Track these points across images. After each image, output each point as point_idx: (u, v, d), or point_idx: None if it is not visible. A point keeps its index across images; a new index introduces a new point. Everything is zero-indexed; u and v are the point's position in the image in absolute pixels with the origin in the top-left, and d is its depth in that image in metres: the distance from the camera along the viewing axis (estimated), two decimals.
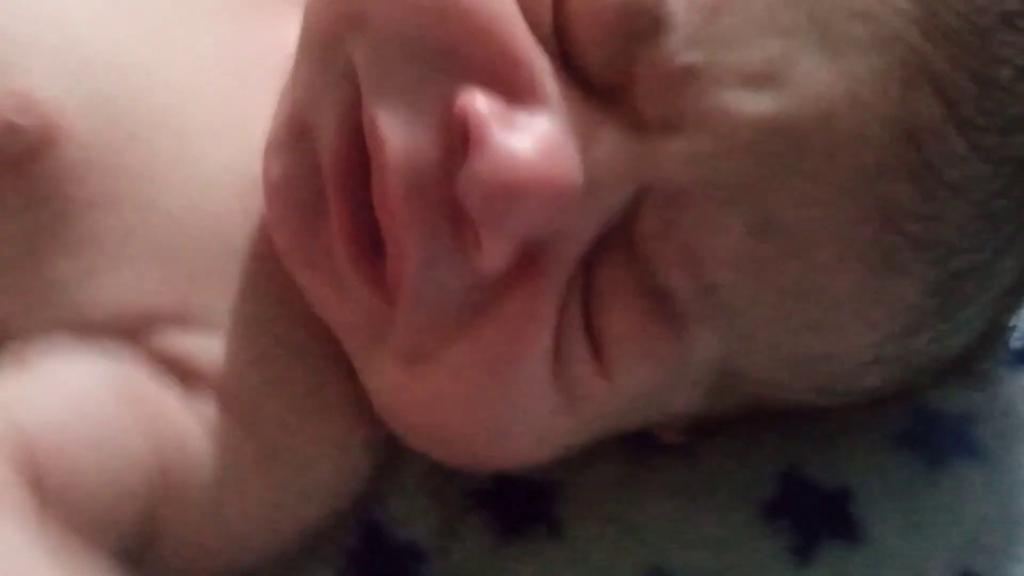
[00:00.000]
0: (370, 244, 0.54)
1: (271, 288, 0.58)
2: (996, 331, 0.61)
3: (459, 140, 0.51)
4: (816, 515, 0.63)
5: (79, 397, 0.55)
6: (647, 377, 0.56)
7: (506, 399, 0.55)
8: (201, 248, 0.58)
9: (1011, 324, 0.62)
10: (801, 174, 0.51)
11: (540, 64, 0.52)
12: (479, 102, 0.51)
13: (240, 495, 0.57)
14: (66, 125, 0.56)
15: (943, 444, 0.64)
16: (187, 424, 0.56)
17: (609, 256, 0.54)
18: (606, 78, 0.53)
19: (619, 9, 0.52)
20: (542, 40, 0.53)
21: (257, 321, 0.58)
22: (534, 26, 0.53)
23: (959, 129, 0.52)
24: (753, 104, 0.51)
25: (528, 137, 0.51)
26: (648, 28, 0.51)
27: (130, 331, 0.56)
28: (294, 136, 0.56)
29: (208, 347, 0.57)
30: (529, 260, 0.53)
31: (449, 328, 0.54)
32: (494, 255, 0.52)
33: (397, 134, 0.52)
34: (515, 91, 0.52)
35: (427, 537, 0.62)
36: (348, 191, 0.54)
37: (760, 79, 0.51)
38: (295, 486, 0.58)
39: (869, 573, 0.62)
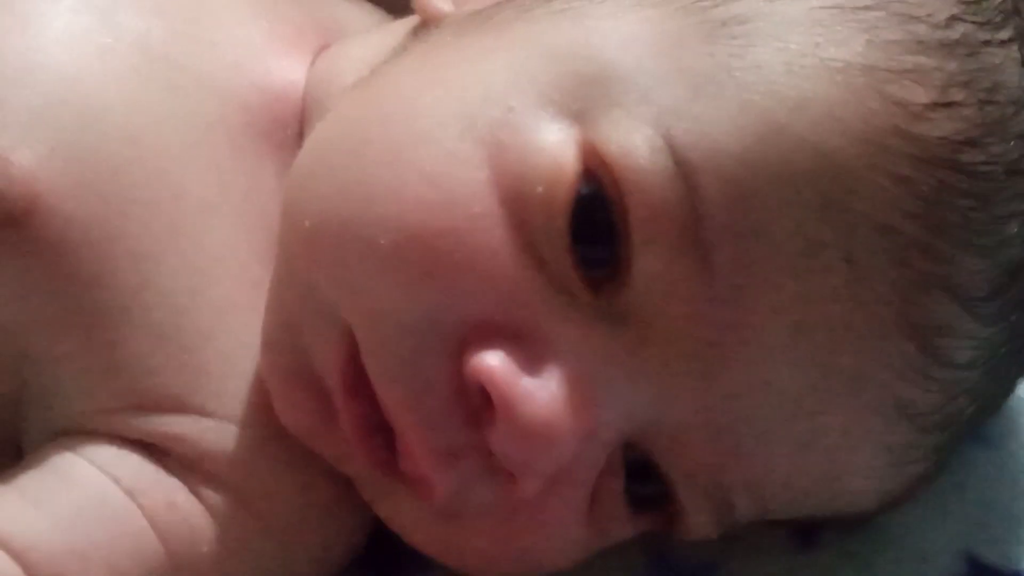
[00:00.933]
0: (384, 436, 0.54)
1: None
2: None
3: (477, 397, 0.51)
4: None
5: (93, 499, 0.55)
6: None
7: (541, 559, 0.56)
8: (208, 334, 0.56)
9: None
10: (828, 391, 0.52)
11: (546, 307, 0.51)
12: (493, 364, 0.50)
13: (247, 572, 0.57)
14: (45, 193, 0.55)
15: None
16: (194, 512, 0.56)
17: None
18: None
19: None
20: (555, 254, 0.51)
21: (264, 408, 0.56)
22: (542, 232, 0.51)
23: (970, 311, 0.53)
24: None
25: (545, 391, 0.51)
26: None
27: (134, 414, 0.56)
28: (294, 344, 0.55)
29: (214, 432, 0.56)
30: (557, 474, 0.53)
31: (479, 520, 0.54)
32: (530, 491, 0.52)
33: (414, 418, 0.52)
34: (522, 334, 0.51)
35: None
36: (356, 400, 0.54)
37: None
38: (303, 561, 0.58)
39: (873, 556, 0.61)
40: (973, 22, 0.53)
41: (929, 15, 0.52)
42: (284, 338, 0.55)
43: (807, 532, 0.62)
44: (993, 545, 0.62)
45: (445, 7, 0.60)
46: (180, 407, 0.56)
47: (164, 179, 0.57)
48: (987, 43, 0.53)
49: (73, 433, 0.57)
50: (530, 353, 0.51)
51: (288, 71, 0.61)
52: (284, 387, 0.56)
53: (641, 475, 0.55)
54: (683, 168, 0.50)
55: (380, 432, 0.53)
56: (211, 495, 0.56)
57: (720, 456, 0.53)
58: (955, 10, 0.53)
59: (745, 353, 0.51)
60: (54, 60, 0.57)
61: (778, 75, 0.50)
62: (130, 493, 0.55)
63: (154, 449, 0.56)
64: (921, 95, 0.51)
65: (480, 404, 0.51)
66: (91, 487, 0.56)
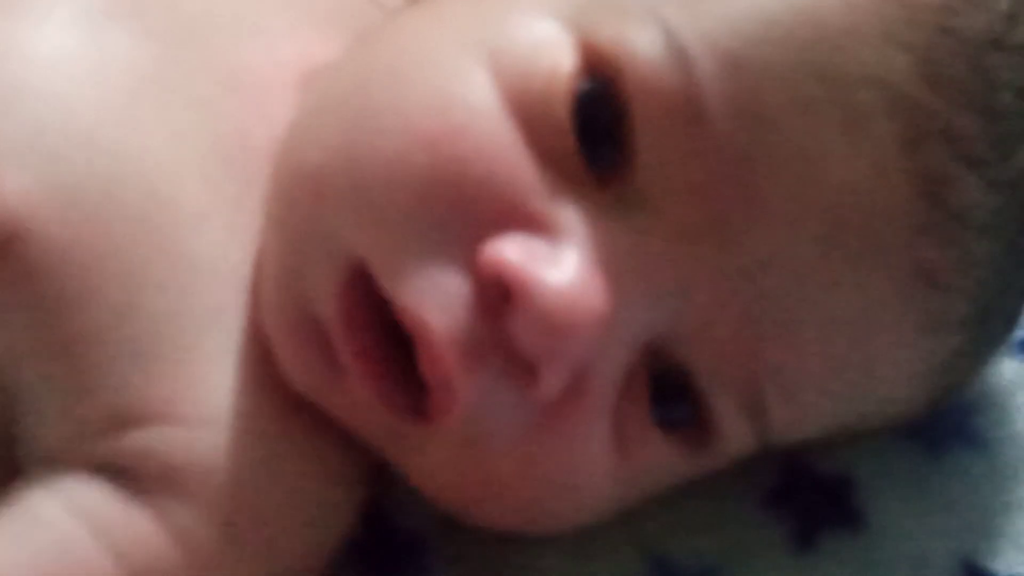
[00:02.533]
0: (397, 370, 0.53)
1: (265, 383, 0.56)
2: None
3: (494, 289, 0.51)
4: (817, 502, 0.63)
5: (56, 540, 0.54)
6: None
7: (570, 487, 0.55)
8: (191, 345, 0.55)
9: None
10: (843, 258, 0.52)
11: (556, 196, 0.52)
12: (507, 252, 0.51)
13: None
14: (33, 218, 0.54)
15: (944, 432, 0.64)
16: (159, 541, 0.55)
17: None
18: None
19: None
20: (559, 148, 0.52)
21: (249, 415, 0.56)
22: (545, 125, 0.52)
23: (974, 171, 0.52)
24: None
25: (562, 273, 0.51)
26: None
27: (109, 435, 0.55)
28: (294, 293, 0.55)
29: (188, 440, 0.55)
30: (578, 377, 0.53)
31: (502, 442, 0.54)
32: (552, 385, 0.52)
33: (435, 313, 0.51)
34: (533, 226, 0.51)
35: (431, 526, 0.61)
36: (362, 342, 0.53)
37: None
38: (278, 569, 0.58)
39: (870, 560, 0.61)
40: None
41: None
42: (284, 289, 0.55)
43: (806, 535, 0.62)
44: (990, 550, 0.62)
45: None
46: (155, 419, 0.55)
47: (154, 194, 0.56)
48: None
49: (51, 463, 0.56)
50: (544, 242, 0.51)
51: (286, 91, 0.60)
52: (291, 344, 0.55)
53: (668, 396, 0.55)
54: (679, 48, 0.51)
55: (388, 371, 0.53)
56: (182, 515, 0.55)
57: (746, 343, 0.53)
58: None
59: (754, 224, 0.51)
60: (41, 84, 0.56)
61: None
62: (95, 533, 0.55)
63: (127, 473, 0.55)
64: None
65: (499, 298, 0.51)
66: (55, 528, 0.55)
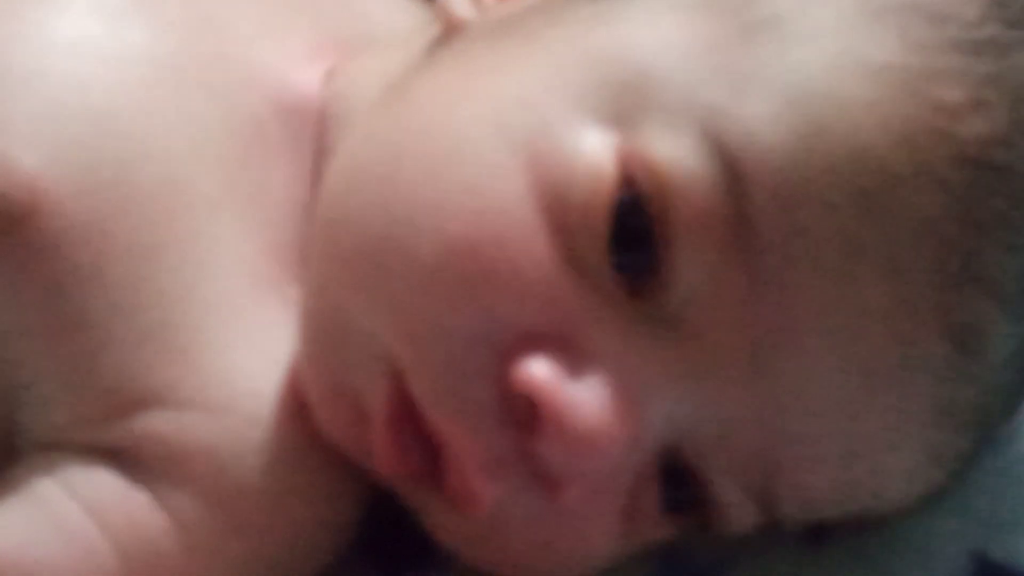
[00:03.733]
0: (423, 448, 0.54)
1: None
2: None
3: (522, 404, 0.51)
4: None
5: (51, 518, 0.55)
6: None
7: (577, 560, 0.56)
8: (200, 328, 0.56)
9: None
10: (869, 391, 0.53)
11: (588, 313, 0.52)
12: (538, 373, 0.51)
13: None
14: (49, 194, 0.54)
15: None
16: (156, 524, 0.55)
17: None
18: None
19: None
20: (594, 260, 0.52)
21: (255, 402, 0.56)
22: (582, 237, 0.51)
23: (1005, 311, 0.53)
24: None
25: (590, 399, 0.51)
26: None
27: (113, 418, 0.55)
28: (334, 367, 0.55)
29: (192, 424, 0.55)
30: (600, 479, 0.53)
31: (519, 529, 0.54)
32: (573, 496, 0.53)
33: (465, 432, 0.52)
34: (565, 345, 0.51)
35: None
36: (398, 429, 0.54)
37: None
38: (275, 559, 0.58)
39: (880, 554, 0.62)
40: (1002, 21, 0.53)
41: (959, 15, 0.52)
42: (321, 359, 0.56)
43: (816, 530, 0.62)
44: (1001, 543, 0.62)
45: (467, 14, 0.60)
46: (160, 401, 0.55)
47: (168, 177, 0.56)
48: (1016, 42, 0.53)
49: (52, 447, 0.56)
50: (574, 360, 0.51)
51: (303, 83, 0.60)
52: (325, 401, 0.56)
53: (675, 479, 0.55)
54: (730, 167, 0.50)
55: (420, 450, 0.53)
56: (181, 500, 0.55)
57: (764, 453, 0.53)
58: (984, 11, 0.53)
59: (789, 354, 0.51)
60: (60, 67, 0.56)
61: (818, 75, 0.51)
62: (90, 512, 0.55)
63: (127, 457, 0.55)
64: (956, 95, 0.51)
65: (526, 412, 0.51)
66: (54, 510, 0.55)
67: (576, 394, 0.50)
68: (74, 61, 0.57)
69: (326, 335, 0.55)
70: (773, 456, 0.53)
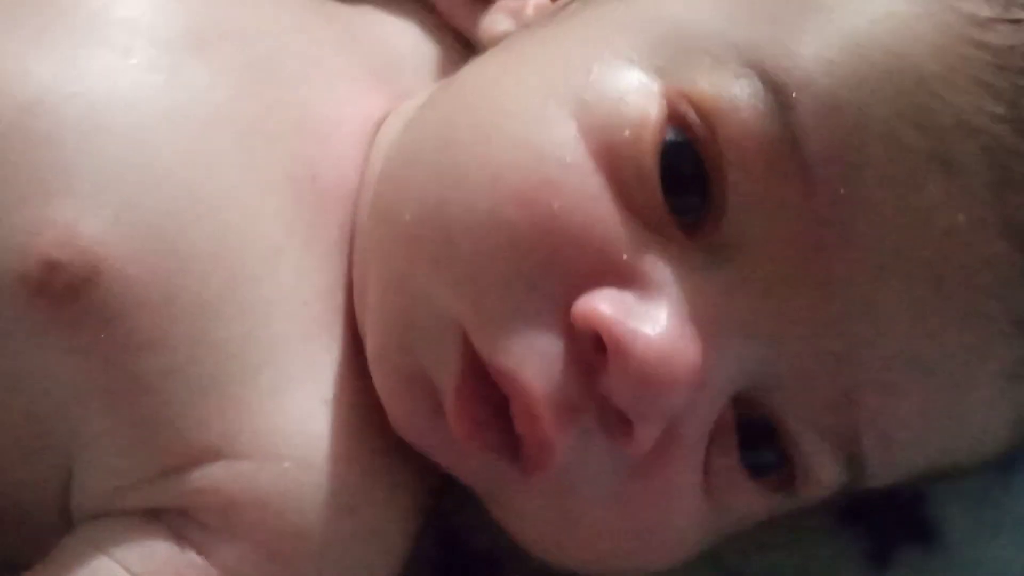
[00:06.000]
0: (498, 420, 0.53)
1: (338, 415, 0.57)
2: None
3: (588, 344, 0.51)
4: (891, 519, 0.63)
5: None
6: None
7: (661, 536, 0.55)
8: (254, 376, 0.55)
9: None
10: (942, 306, 0.52)
11: (645, 250, 0.52)
12: (601, 307, 0.50)
13: None
14: (109, 259, 0.54)
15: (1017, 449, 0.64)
16: None
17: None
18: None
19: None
20: (647, 200, 0.52)
21: (312, 447, 0.56)
22: (633, 176, 0.52)
23: None
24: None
25: (656, 328, 0.50)
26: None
27: (166, 478, 0.55)
28: (402, 349, 0.55)
29: (244, 474, 0.55)
30: (670, 429, 0.52)
31: (596, 493, 0.54)
32: (646, 439, 0.52)
33: (532, 374, 0.51)
34: (625, 281, 0.51)
35: (504, 544, 0.61)
36: (469, 399, 0.53)
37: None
38: None
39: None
40: None
41: None
42: (392, 346, 0.55)
43: (880, 553, 0.62)
44: None
45: (507, 26, 0.61)
46: (215, 454, 0.55)
47: (228, 231, 0.56)
48: None
49: (103, 514, 0.56)
50: (635, 295, 0.51)
51: (351, 131, 0.60)
52: (399, 396, 0.56)
53: (757, 442, 0.55)
54: (773, 90, 0.51)
55: (493, 422, 0.53)
56: (234, 554, 0.55)
57: (841, 391, 0.53)
58: None
59: (852, 272, 0.51)
60: (120, 122, 0.55)
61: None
62: None
63: (180, 516, 0.55)
64: (986, 10, 0.52)
65: (593, 352, 0.51)
66: (97, 573, 0.55)
67: (639, 323, 0.50)
68: (132, 116, 0.56)
69: (394, 320, 0.55)
70: (849, 388, 0.53)
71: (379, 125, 0.61)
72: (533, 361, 0.51)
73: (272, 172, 0.57)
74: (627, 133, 0.52)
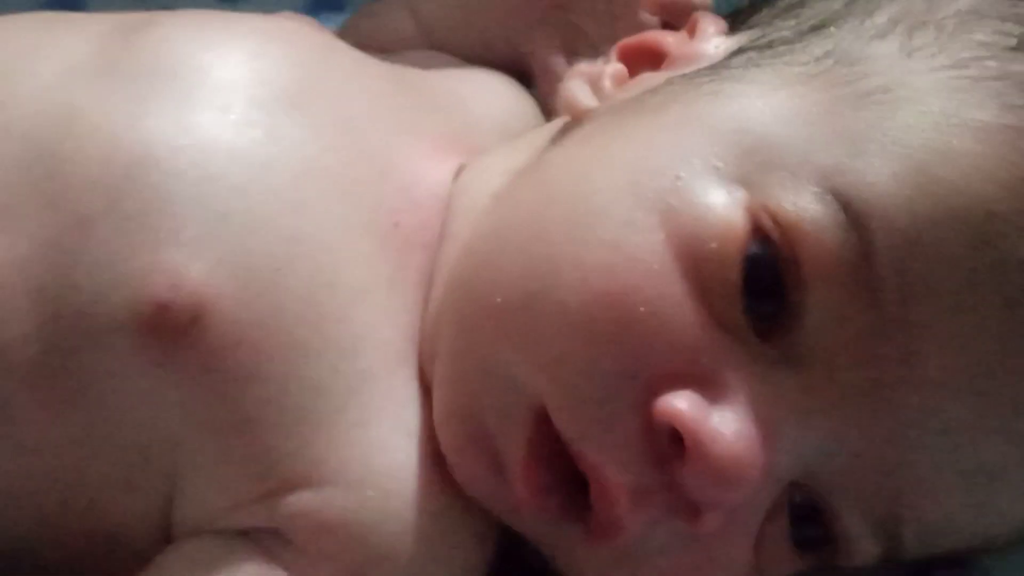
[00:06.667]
0: (559, 486, 0.58)
1: (414, 445, 0.61)
2: None
3: (665, 437, 0.55)
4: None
5: None
6: None
7: None
8: (342, 409, 0.59)
9: None
10: (989, 418, 0.57)
11: (722, 354, 0.56)
12: (681, 406, 0.55)
13: None
14: (213, 301, 0.58)
15: None
16: None
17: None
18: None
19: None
20: (727, 306, 0.56)
21: (395, 475, 0.60)
22: (716, 285, 0.56)
23: None
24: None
25: (730, 431, 0.55)
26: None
27: (261, 502, 0.59)
28: (472, 415, 0.59)
29: (333, 500, 0.59)
30: (730, 512, 0.57)
31: (657, 560, 0.58)
32: (713, 525, 0.56)
33: (614, 465, 0.56)
34: (703, 383, 0.55)
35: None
36: (538, 469, 0.58)
37: None
38: None
39: None
40: None
41: None
42: (460, 410, 0.60)
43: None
44: None
45: (591, 103, 0.65)
46: (306, 482, 0.59)
47: (319, 274, 0.60)
48: None
49: (198, 533, 0.60)
50: (712, 397, 0.55)
51: (432, 180, 0.65)
52: (462, 455, 0.60)
53: (804, 520, 0.59)
54: (853, 216, 0.55)
55: (558, 488, 0.58)
56: (318, 574, 0.59)
57: (888, 486, 0.57)
58: None
59: (912, 387, 0.56)
60: (224, 172, 0.60)
61: (928, 133, 0.56)
62: None
63: (271, 538, 0.59)
64: None
65: (668, 446, 0.55)
66: None
67: (717, 424, 0.55)
68: (235, 166, 0.60)
69: (466, 387, 0.60)
70: (897, 486, 0.57)
71: (455, 177, 0.66)
72: (615, 452, 0.56)
73: (359, 219, 0.62)
74: (713, 245, 0.56)
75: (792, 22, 0.63)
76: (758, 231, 0.56)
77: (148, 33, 0.64)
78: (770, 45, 0.62)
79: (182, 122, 0.61)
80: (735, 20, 0.68)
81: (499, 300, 0.58)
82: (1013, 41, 0.58)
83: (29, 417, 0.58)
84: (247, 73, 0.63)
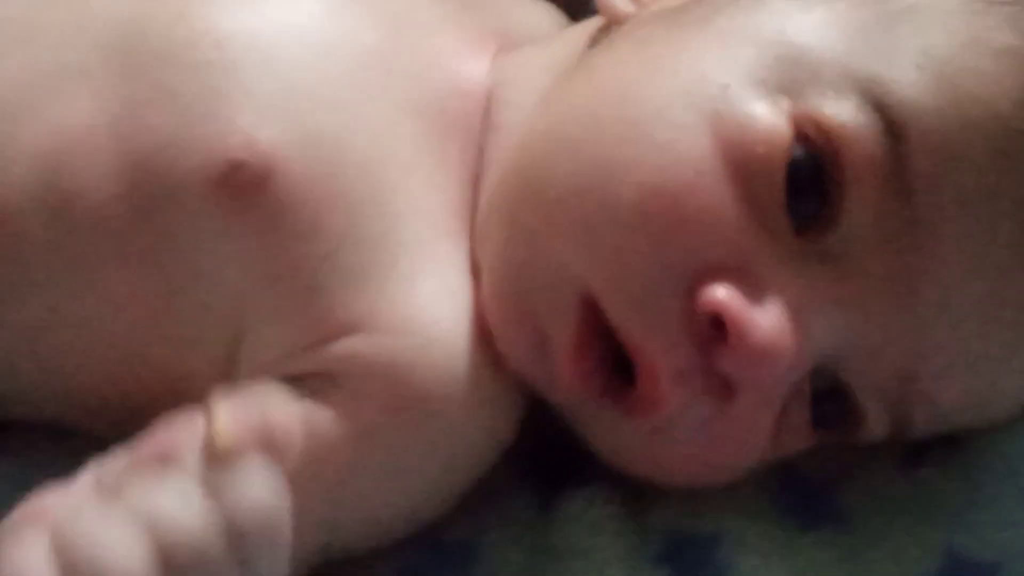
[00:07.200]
0: (604, 359, 0.63)
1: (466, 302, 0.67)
2: None
3: (706, 322, 0.61)
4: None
5: None
6: None
7: (733, 466, 0.66)
8: (393, 265, 0.66)
9: None
10: (999, 310, 0.63)
11: (763, 249, 0.61)
12: (724, 296, 0.60)
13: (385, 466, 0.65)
14: (281, 161, 0.65)
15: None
16: (339, 432, 0.64)
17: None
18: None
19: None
20: (770, 206, 0.61)
21: (441, 326, 0.66)
22: (761, 186, 0.61)
23: None
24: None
25: (767, 318, 0.60)
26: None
27: (320, 343, 0.65)
28: (521, 297, 0.65)
29: (382, 343, 0.65)
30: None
31: (687, 434, 0.64)
32: (746, 402, 0.62)
33: (659, 347, 0.62)
34: (744, 275, 0.61)
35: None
36: (585, 353, 0.63)
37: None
38: (441, 471, 0.67)
39: (972, 472, 0.71)
40: None
41: None
42: (509, 290, 0.65)
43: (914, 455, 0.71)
44: (971, 536, 0.69)
45: (629, 8, 0.70)
46: (359, 328, 0.65)
47: (373, 146, 0.67)
48: None
49: (260, 376, 0.66)
50: (751, 288, 0.61)
51: (472, 71, 0.71)
52: (509, 333, 0.65)
53: (825, 396, 0.65)
54: (890, 124, 0.60)
55: (600, 370, 0.64)
56: (365, 411, 0.65)
57: (905, 369, 0.63)
58: None
59: (932, 281, 0.62)
60: (290, 53, 0.68)
61: (953, 50, 0.62)
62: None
63: (323, 381, 0.65)
64: None
65: (709, 331, 0.61)
66: None
67: (756, 313, 0.60)
68: (301, 49, 0.68)
69: (516, 270, 0.65)
70: (913, 370, 0.63)
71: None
72: (660, 336, 0.61)
73: (408, 102, 0.69)
74: (760, 150, 0.61)
75: None
76: (801, 137, 0.61)
77: None
78: None
79: (256, 9, 0.68)
80: None
81: (552, 194, 0.64)
82: None
83: (114, 271, 0.66)
84: None
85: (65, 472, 0.59)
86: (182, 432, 0.57)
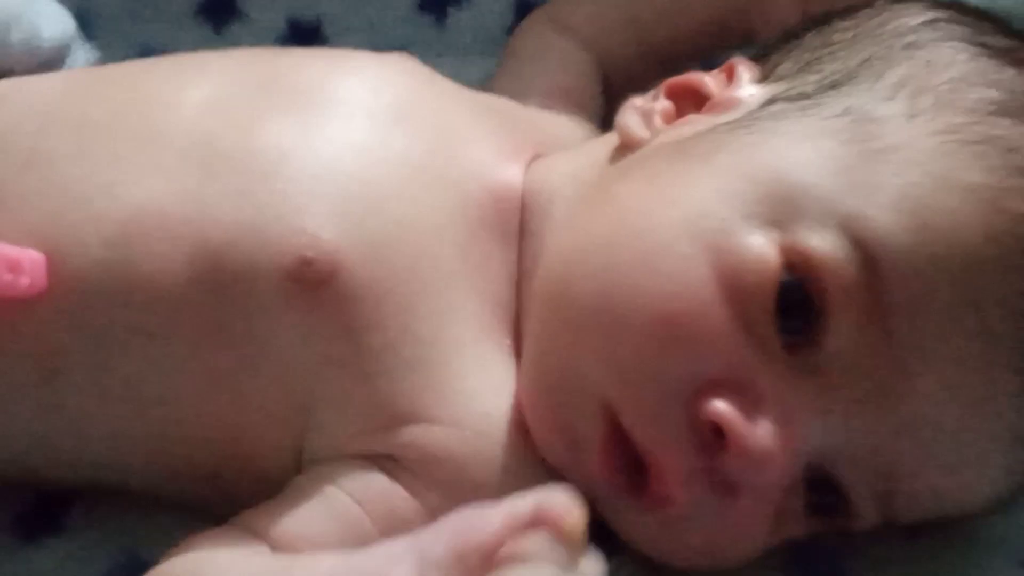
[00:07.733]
0: (627, 462, 0.70)
1: (503, 396, 0.74)
2: None
3: (708, 430, 0.68)
4: None
5: (328, 505, 0.72)
6: None
7: (738, 553, 0.72)
8: (445, 363, 0.73)
9: None
10: (972, 428, 0.70)
11: (758, 366, 0.68)
12: (723, 409, 0.67)
13: None
14: (345, 261, 0.72)
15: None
16: (409, 510, 0.72)
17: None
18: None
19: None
20: (763, 327, 0.68)
21: (490, 420, 0.73)
22: (754, 310, 0.68)
23: None
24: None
25: (764, 426, 0.67)
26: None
27: (380, 433, 0.72)
28: (555, 407, 0.72)
29: (438, 436, 0.72)
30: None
31: (696, 524, 0.71)
32: (748, 500, 0.69)
33: (670, 454, 0.69)
34: (742, 389, 0.68)
35: None
36: (611, 455, 0.71)
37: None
38: None
39: (964, 544, 0.77)
40: None
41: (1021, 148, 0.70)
42: (544, 400, 0.73)
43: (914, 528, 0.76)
44: None
45: (643, 133, 0.79)
46: (417, 418, 0.72)
47: (423, 251, 0.75)
48: None
49: (327, 460, 0.73)
50: (748, 399, 0.68)
51: (510, 178, 0.80)
52: (544, 431, 0.73)
53: (820, 489, 0.72)
54: (866, 256, 0.67)
55: (625, 468, 0.70)
56: (429, 495, 0.72)
57: (887, 465, 0.70)
58: None
59: (909, 397, 0.68)
60: (349, 166, 0.75)
61: (927, 190, 0.68)
62: (359, 502, 0.72)
63: (390, 462, 0.72)
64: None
65: (712, 438, 0.68)
66: (329, 500, 0.72)
67: (753, 425, 0.68)
68: (358, 161, 0.75)
69: (549, 381, 0.72)
70: (893, 472, 0.71)
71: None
72: (669, 441, 0.68)
73: (451, 210, 0.76)
74: (751, 278, 0.68)
75: (815, 77, 0.75)
76: (790, 265, 0.68)
77: (287, 61, 0.81)
78: (797, 97, 0.74)
79: (318, 127, 0.76)
80: (763, 59, 0.81)
81: (575, 315, 0.72)
82: (994, 107, 0.71)
83: (184, 347, 0.72)
84: (362, 93, 0.79)
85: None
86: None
